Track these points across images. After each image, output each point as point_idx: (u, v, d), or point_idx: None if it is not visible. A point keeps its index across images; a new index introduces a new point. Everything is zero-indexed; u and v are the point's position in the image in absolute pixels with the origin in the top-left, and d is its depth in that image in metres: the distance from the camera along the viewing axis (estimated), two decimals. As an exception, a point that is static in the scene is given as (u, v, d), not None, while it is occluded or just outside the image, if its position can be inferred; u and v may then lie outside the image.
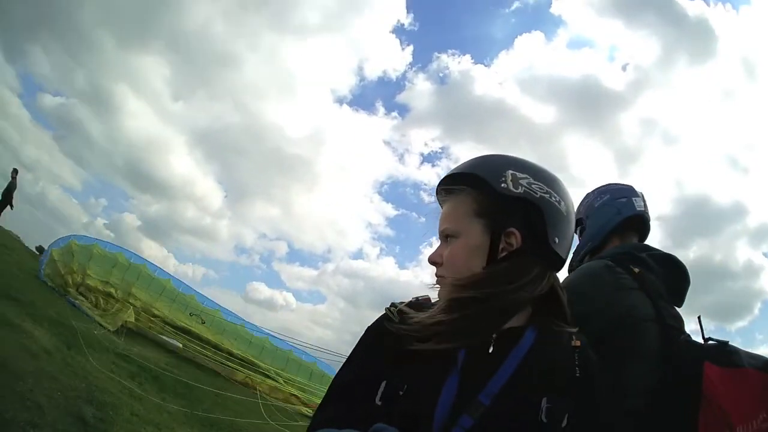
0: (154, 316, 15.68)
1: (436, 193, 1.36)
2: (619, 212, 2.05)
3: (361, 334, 1.28)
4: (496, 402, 1.04)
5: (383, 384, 1.11)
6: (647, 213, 2.08)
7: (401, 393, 1.08)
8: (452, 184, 1.29)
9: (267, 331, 18.09)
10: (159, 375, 10.51)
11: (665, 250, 1.92)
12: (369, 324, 1.28)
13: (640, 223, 2.08)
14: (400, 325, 1.17)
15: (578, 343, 1.17)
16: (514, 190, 1.20)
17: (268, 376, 16.09)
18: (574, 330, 1.21)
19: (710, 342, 1.64)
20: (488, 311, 1.14)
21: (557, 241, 1.21)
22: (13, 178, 18.57)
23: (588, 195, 2.20)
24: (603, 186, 2.20)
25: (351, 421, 0.98)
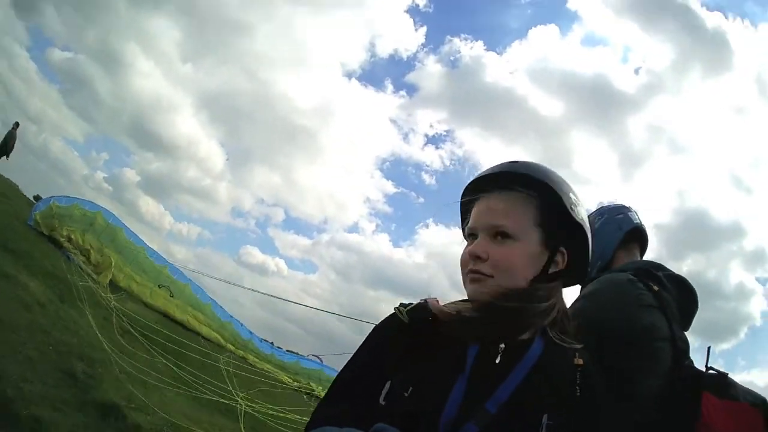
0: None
1: (485, 182, 1.29)
2: (620, 227, 2.13)
3: (369, 332, 1.27)
4: (501, 412, 1.04)
5: (388, 384, 1.10)
6: (643, 225, 2.16)
7: (406, 394, 1.07)
8: (512, 182, 1.24)
9: (231, 315, 18.17)
10: (149, 333, 10.62)
11: (660, 261, 1.98)
12: (377, 323, 1.29)
13: (641, 235, 2.16)
14: (411, 336, 1.18)
15: (581, 362, 1.15)
16: (578, 215, 1.24)
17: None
18: (578, 347, 1.19)
19: (711, 371, 1.67)
20: (519, 324, 1.15)
21: (590, 268, 1.30)
22: (14, 129, 18.48)
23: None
24: (596, 209, 2.27)
25: (352, 419, 0.98)
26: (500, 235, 1.18)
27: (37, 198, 17.21)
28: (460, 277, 1.28)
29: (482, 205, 1.24)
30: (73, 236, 14.73)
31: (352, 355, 1.25)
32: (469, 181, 1.34)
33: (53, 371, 5.61)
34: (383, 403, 1.08)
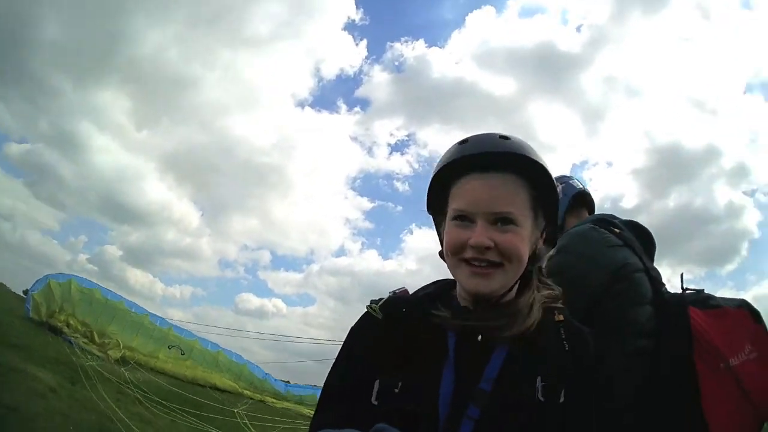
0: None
1: (478, 157, 1.14)
2: (564, 194, 2.19)
3: (346, 336, 1.24)
4: (496, 387, 1.03)
5: (377, 383, 1.08)
6: (587, 189, 2.25)
7: (396, 390, 1.05)
8: (508, 161, 1.13)
9: (245, 359, 18.16)
10: (165, 397, 10.61)
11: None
12: (352, 325, 1.25)
13: (586, 199, 2.25)
14: (387, 330, 1.15)
15: (561, 318, 1.14)
16: (558, 195, 1.23)
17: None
18: (556, 304, 1.17)
19: (688, 291, 1.77)
20: (515, 319, 1.11)
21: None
22: None
23: None
24: None
25: (349, 422, 0.93)
26: (501, 221, 1.09)
27: (26, 292, 17.17)
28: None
29: (477, 187, 1.12)
30: (71, 321, 14.74)
31: (334, 360, 1.22)
32: (450, 152, 1.20)
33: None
34: (376, 402, 1.06)
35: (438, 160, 1.21)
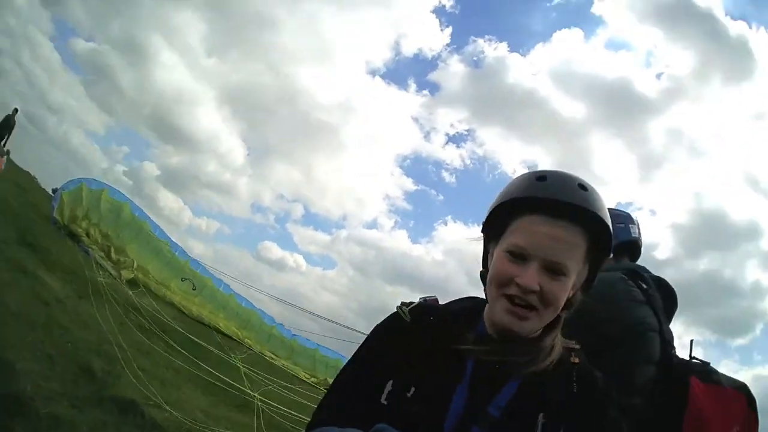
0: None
1: (556, 206, 1.12)
2: (615, 236, 2.13)
3: (370, 332, 1.27)
4: (503, 415, 1.05)
5: (390, 383, 1.10)
6: (641, 240, 2.24)
7: (408, 395, 1.08)
8: (577, 214, 1.12)
9: (255, 306, 18.27)
10: (167, 329, 10.65)
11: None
12: (378, 322, 1.27)
13: (634, 248, 2.24)
14: (413, 335, 1.18)
15: (577, 360, 1.17)
16: (610, 255, 1.22)
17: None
18: (575, 347, 1.21)
19: (694, 360, 1.85)
20: (531, 360, 1.13)
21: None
22: (13, 114, 18.61)
23: None
24: None
25: (353, 417, 0.98)
26: (555, 270, 1.10)
27: (55, 191, 17.32)
28: (478, 274, 1.27)
29: (544, 231, 1.10)
30: (92, 231, 14.82)
31: (354, 353, 1.25)
32: (525, 185, 1.17)
33: (72, 368, 5.60)
34: (385, 402, 1.08)
35: (508, 185, 1.22)
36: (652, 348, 1.82)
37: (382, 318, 1.28)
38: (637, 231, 2.23)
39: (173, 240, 17.59)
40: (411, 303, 1.26)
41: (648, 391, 1.75)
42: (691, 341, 1.91)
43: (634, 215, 2.27)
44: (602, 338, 1.69)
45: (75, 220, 14.51)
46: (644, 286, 1.94)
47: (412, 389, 1.08)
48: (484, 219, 1.25)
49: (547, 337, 1.16)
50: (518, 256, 1.11)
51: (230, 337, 15.74)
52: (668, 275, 2.07)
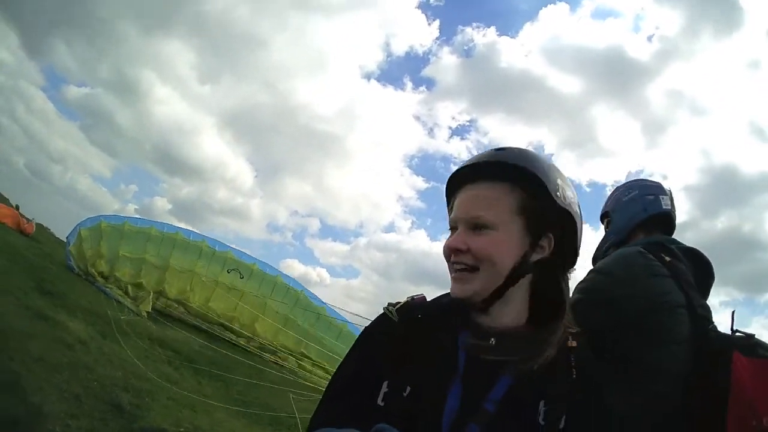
0: (183, 301, 15.96)
1: (466, 172, 1.25)
2: (645, 209, 2.10)
3: (359, 335, 1.29)
4: (500, 408, 1.06)
5: (385, 384, 1.11)
6: (674, 212, 2.12)
7: (404, 394, 1.09)
8: (491, 171, 1.20)
9: (302, 285, 18.04)
10: (193, 358, 10.71)
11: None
12: (367, 325, 1.30)
13: (666, 221, 2.12)
14: (401, 334, 1.19)
15: (574, 344, 1.17)
16: (563, 201, 1.19)
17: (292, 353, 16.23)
18: (573, 330, 1.20)
19: (737, 334, 1.67)
20: (502, 310, 1.17)
21: (578, 253, 1.25)
22: None
23: (617, 188, 2.27)
24: (632, 181, 2.25)
25: (351, 420, 0.98)
26: (479, 226, 1.17)
27: (68, 238, 17.59)
28: None
29: (464, 196, 1.21)
30: (120, 276, 15.08)
31: (344, 357, 1.26)
32: (453, 171, 1.28)
33: (100, 405, 5.61)
34: (381, 403, 1.10)
35: None
36: (678, 325, 1.71)
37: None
38: (669, 202, 2.13)
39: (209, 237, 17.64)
40: (398, 303, 1.27)
41: (677, 375, 1.65)
42: (733, 312, 1.76)
43: (666, 185, 2.19)
44: (620, 318, 1.69)
45: (95, 259, 14.67)
46: (667, 258, 1.84)
47: (408, 389, 1.09)
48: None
49: (543, 330, 1.17)
50: (453, 229, 1.21)
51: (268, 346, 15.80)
52: (688, 239, 2.00)
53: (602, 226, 2.32)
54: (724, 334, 1.71)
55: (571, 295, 1.41)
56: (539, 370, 1.10)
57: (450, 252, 1.18)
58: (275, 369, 14.18)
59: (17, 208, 17.57)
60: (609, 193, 2.34)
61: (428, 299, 1.31)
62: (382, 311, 1.26)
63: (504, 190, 1.18)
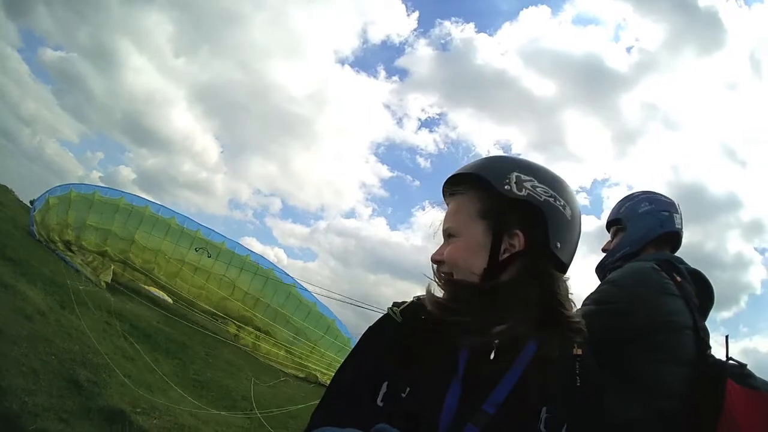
0: (147, 272, 15.78)
1: (443, 194, 1.35)
2: (661, 225, 2.13)
3: (363, 334, 1.27)
4: (500, 412, 1.05)
5: (385, 385, 1.11)
6: (682, 230, 2.15)
7: (403, 395, 1.08)
8: (457, 185, 1.29)
9: (272, 263, 17.86)
10: (151, 333, 10.73)
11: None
12: (370, 325, 1.28)
13: (675, 239, 2.15)
14: (405, 335, 1.19)
15: (580, 352, 1.16)
16: (518, 193, 1.19)
17: (259, 330, 16.21)
18: (578, 338, 1.19)
19: (731, 362, 1.73)
20: (490, 308, 1.13)
21: (559, 245, 1.20)
22: None
23: (631, 197, 2.27)
24: (647, 193, 2.25)
25: (351, 420, 0.97)
26: (450, 236, 1.25)
27: (32, 202, 17.12)
28: None
29: (444, 214, 1.31)
30: (69, 236, 14.85)
31: (347, 356, 1.26)
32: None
33: (57, 381, 5.63)
34: (381, 404, 1.09)
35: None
36: (684, 346, 1.74)
37: (365, 308, 1.36)
38: (680, 221, 2.15)
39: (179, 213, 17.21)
40: (403, 303, 1.26)
41: (679, 395, 1.67)
42: (726, 337, 1.79)
43: (676, 204, 2.20)
44: (627, 329, 1.72)
45: (62, 228, 14.46)
46: (678, 278, 1.86)
47: (407, 389, 1.09)
48: None
49: (544, 333, 1.15)
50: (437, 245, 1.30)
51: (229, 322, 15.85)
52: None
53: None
54: (721, 361, 1.75)
55: (580, 305, 1.54)
56: (543, 375, 1.09)
57: (435, 263, 1.26)
58: (233, 348, 14.27)
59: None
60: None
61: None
62: (386, 311, 1.26)
63: (463, 199, 1.26)
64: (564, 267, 1.24)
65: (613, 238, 2.27)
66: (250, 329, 16.12)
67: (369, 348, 1.23)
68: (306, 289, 16.92)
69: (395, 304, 1.26)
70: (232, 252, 17.23)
